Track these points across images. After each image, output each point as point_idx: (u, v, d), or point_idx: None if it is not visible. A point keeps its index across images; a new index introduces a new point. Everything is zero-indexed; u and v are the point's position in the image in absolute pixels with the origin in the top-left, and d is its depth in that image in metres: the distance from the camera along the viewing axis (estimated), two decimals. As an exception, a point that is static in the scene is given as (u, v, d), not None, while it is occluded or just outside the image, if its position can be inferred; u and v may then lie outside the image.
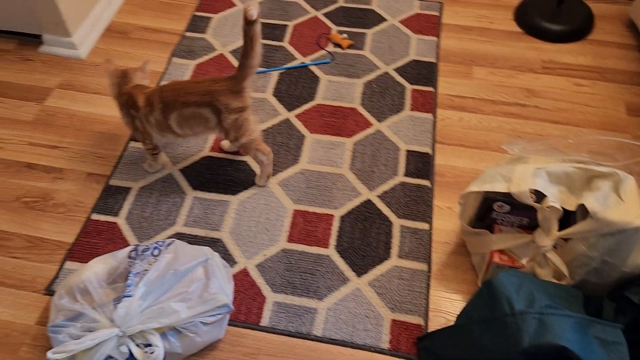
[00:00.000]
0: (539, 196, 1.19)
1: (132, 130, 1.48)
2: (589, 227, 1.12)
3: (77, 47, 1.88)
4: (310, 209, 1.50)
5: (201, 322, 1.18)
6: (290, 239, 1.43)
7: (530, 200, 1.17)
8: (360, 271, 1.37)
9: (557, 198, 1.17)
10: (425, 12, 2.05)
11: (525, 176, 1.19)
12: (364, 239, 1.43)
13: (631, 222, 1.08)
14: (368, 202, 1.50)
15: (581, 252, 1.16)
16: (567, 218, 1.24)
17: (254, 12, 1.21)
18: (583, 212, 1.15)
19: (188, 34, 1.98)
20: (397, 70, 1.85)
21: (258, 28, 1.26)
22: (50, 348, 1.13)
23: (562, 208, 1.16)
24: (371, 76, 1.83)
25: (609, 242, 1.12)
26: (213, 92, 1.34)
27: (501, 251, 1.27)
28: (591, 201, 1.12)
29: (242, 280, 1.36)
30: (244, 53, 1.30)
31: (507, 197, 1.24)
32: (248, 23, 1.24)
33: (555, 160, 1.26)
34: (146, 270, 1.19)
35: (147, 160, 1.56)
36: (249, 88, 1.36)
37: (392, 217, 1.47)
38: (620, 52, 1.89)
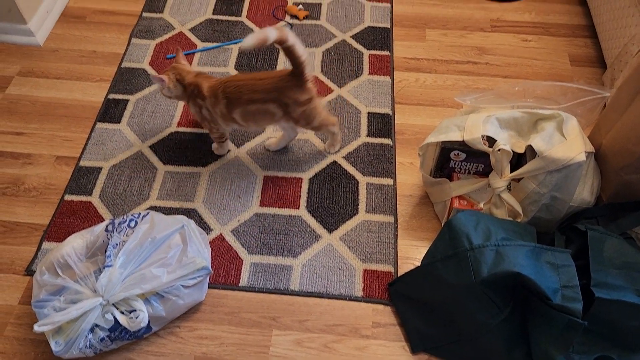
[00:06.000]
0: (491, 142, 1.27)
1: (200, 119, 1.50)
2: (537, 165, 1.21)
3: (33, 34, 1.87)
4: (280, 174, 1.55)
5: (182, 285, 1.23)
6: (262, 204, 1.49)
7: (482, 146, 1.25)
8: (331, 228, 1.44)
9: (507, 141, 1.26)
10: (378, -21, 2.10)
11: (477, 124, 1.27)
12: (332, 198, 1.50)
13: (574, 158, 1.18)
14: (334, 164, 1.57)
15: (532, 190, 1.25)
16: (519, 160, 1.34)
17: (272, 35, 1.20)
18: (532, 152, 1.24)
19: (145, 14, 1.99)
20: (354, 37, 1.90)
21: (291, 42, 1.25)
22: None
23: (512, 150, 1.24)
24: (329, 45, 1.88)
25: (556, 178, 1.21)
26: (279, 89, 1.35)
27: (460, 197, 1.36)
28: (537, 141, 1.21)
29: (219, 246, 1.41)
30: (292, 59, 1.30)
31: (462, 146, 1.32)
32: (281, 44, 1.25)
33: (505, 107, 1.34)
34: (124, 241, 1.23)
35: (214, 144, 1.59)
36: (310, 79, 1.36)
37: (357, 175, 1.54)
38: (562, 7, 1.99)
